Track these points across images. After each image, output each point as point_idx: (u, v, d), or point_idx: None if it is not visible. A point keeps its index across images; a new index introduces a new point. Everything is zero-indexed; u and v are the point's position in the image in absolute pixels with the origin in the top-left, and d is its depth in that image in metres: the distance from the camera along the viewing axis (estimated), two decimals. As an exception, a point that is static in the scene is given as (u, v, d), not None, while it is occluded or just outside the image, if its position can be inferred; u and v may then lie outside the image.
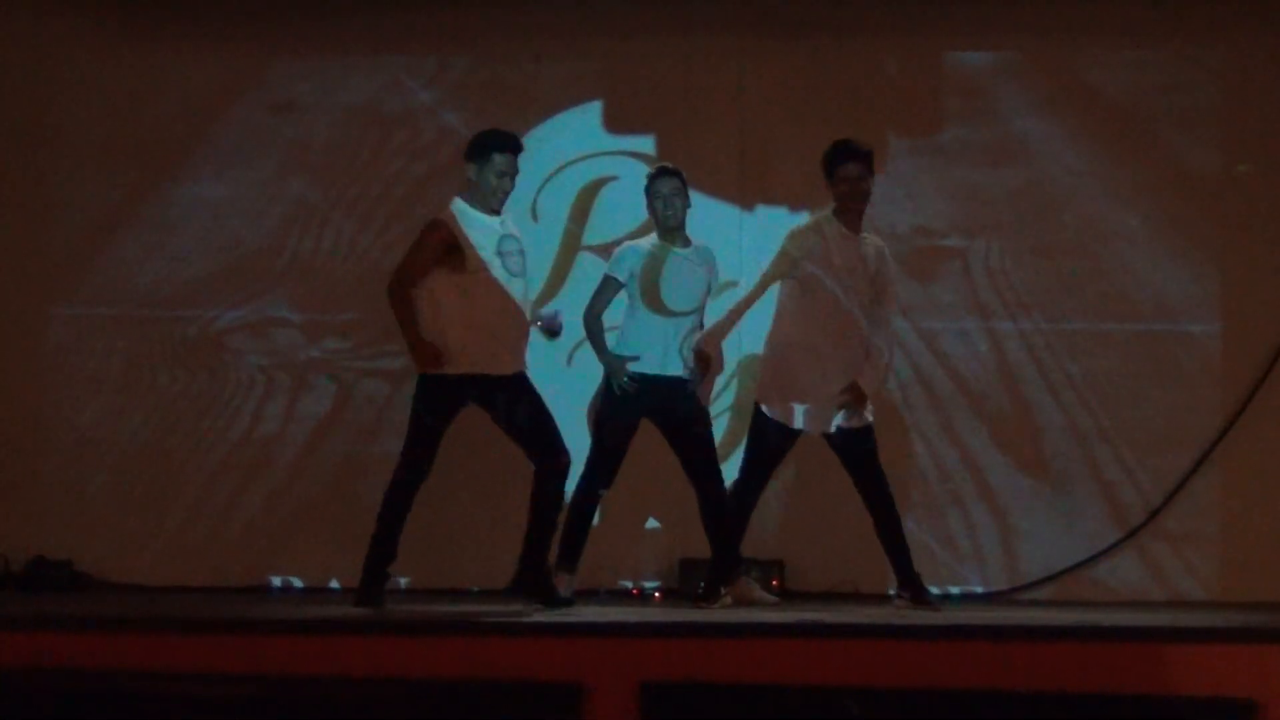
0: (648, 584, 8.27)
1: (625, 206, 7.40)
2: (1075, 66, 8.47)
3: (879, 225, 8.10)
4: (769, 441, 7.17)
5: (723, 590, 7.08)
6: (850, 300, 7.05)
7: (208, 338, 8.63)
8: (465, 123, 8.34)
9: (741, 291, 7.42)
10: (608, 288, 7.16)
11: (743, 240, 8.14)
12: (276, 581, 8.41)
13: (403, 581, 7.72)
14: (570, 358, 8.22)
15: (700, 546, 7.27)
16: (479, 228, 6.77)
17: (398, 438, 6.93)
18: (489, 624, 5.95)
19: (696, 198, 7.50)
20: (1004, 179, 8.44)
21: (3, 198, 8.63)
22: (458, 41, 8.66)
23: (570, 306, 7.47)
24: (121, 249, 8.65)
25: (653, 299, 7.09)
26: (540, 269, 8.31)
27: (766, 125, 8.40)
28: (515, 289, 6.79)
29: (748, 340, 7.85)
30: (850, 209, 7.07)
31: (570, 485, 6.99)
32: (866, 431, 7.11)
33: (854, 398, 7.03)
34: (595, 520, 7.24)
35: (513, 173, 6.80)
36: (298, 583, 8.42)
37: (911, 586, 7.08)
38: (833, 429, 7.08)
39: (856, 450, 7.10)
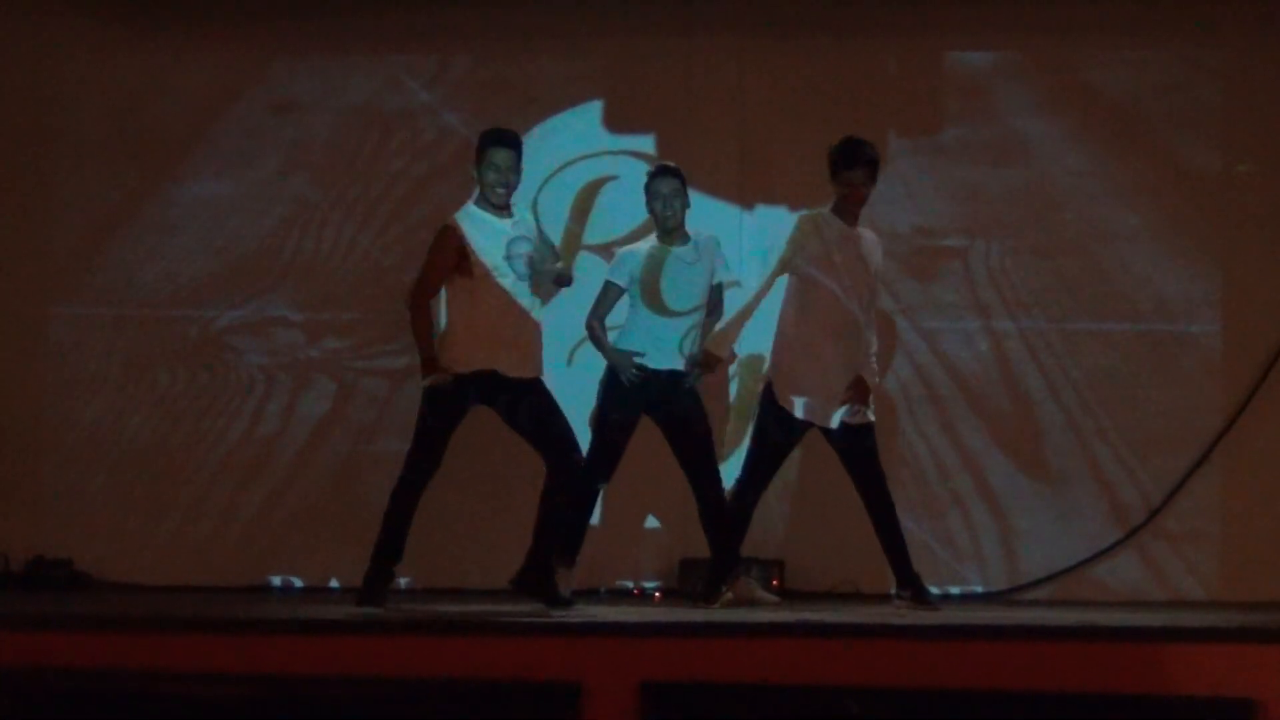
0: (648, 584, 8.27)
1: (625, 206, 7.41)
2: (1075, 66, 8.47)
3: (879, 225, 8.10)
4: (772, 440, 7.17)
5: (723, 590, 7.08)
6: (850, 299, 7.06)
7: (208, 337, 8.63)
8: (465, 122, 8.35)
9: (744, 291, 7.39)
10: (609, 293, 7.18)
11: (743, 240, 8.14)
12: (276, 581, 8.41)
13: (403, 581, 7.71)
14: (570, 358, 8.22)
15: (700, 546, 7.28)
16: (487, 231, 6.80)
17: (398, 437, 6.94)
18: (489, 624, 5.95)
19: (696, 197, 7.50)
20: (1004, 179, 8.44)
21: (3, 198, 8.63)
22: (458, 41, 8.66)
23: (570, 306, 7.49)
24: (122, 249, 8.65)
25: (653, 300, 7.11)
26: (539, 269, 8.34)
27: (766, 125, 8.40)
28: (523, 291, 6.79)
29: (746, 339, 7.83)
30: (849, 210, 7.09)
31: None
32: (868, 429, 7.11)
33: (858, 393, 7.04)
34: (596, 519, 7.25)
35: (509, 167, 6.80)
36: (298, 582, 8.42)
37: (911, 586, 7.08)
38: (836, 425, 7.08)
39: (857, 448, 7.10)
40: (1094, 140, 8.42)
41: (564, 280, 7.09)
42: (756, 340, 7.47)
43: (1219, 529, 8.25)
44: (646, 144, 8.48)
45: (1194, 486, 8.24)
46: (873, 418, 7.12)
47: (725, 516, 7.13)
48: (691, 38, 8.50)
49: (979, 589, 8.28)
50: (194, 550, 8.48)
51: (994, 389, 8.40)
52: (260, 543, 8.49)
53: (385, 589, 6.74)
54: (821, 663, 5.51)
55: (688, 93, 8.49)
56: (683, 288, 7.11)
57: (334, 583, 8.25)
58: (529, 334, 6.83)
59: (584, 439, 7.20)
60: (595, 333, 7.23)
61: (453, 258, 6.76)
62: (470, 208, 6.86)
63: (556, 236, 8.42)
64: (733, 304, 7.22)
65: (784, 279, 7.13)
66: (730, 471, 7.32)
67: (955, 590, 8.22)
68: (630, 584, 8.27)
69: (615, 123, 8.54)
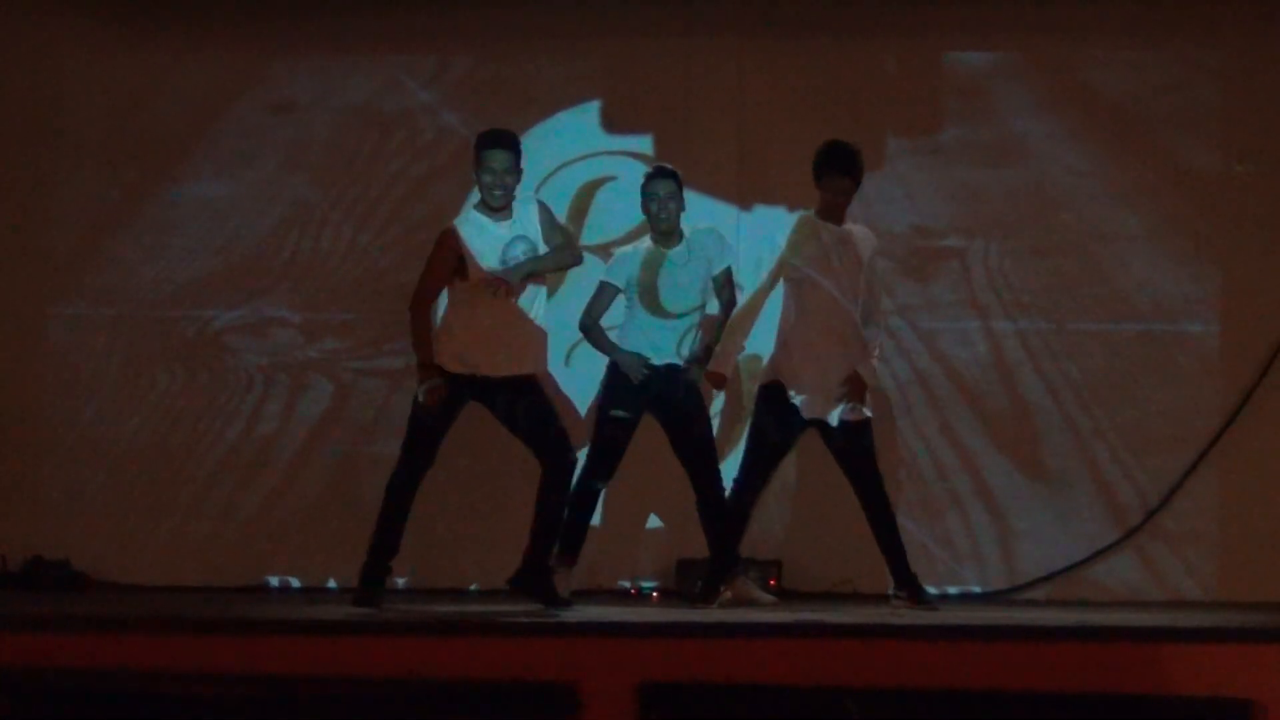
0: (645, 584, 8.27)
1: (623, 207, 7.40)
2: (1075, 66, 8.47)
3: (878, 225, 8.10)
4: (769, 440, 7.17)
5: (721, 589, 7.08)
6: (847, 299, 7.07)
7: (207, 337, 8.63)
8: (464, 123, 8.34)
9: (743, 294, 7.38)
10: (604, 294, 7.20)
11: (741, 240, 8.13)
12: (274, 581, 8.41)
13: (400, 581, 7.71)
14: (568, 358, 8.22)
15: (698, 547, 7.28)
16: (485, 235, 6.81)
17: (397, 438, 6.94)
18: (487, 624, 5.95)
19: (695, 197, 7.51)
20: (1003, 179, 8.44)
21: (2, 198, 8.64)
22: (457, 41, 8.66)
23: (569, 306, 7.50)
24: (121, 249, 8.65)
25: (651, 302, 7.12)
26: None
27: (765, 125, 8.39)
28: (522, 293, 6.79)
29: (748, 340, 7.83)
30: (836, 213, 7.09)
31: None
32: (864, 428, 7.11)
33: (854, 389, 7.04)
34: (595, 519, 7.25)
35: (505, 169, 6.79)
36: (295, 582, 8.42)
37: (909, 586, 7.08)
38: (835, 422, 7.07)
39: (854, 448, 7.10)
40: (1093, 140, 8.42)
41: (566, 263, 7.05)
42: (756, 342, 7.45)
43: (1217, 529, 8.25)
44: (645, 144, 8.48)
45: (1192, 487, 8.24)
46: (869, 413, 7.12)
47: (725, 516, 7.13)
48: (690, 38, 8.50)
49: (977, 589, 8.27)
50: (192, 550, 8.48)
51: (992, 389, 8.39)
52: (258, 543, 8.49)
53: (381, 586, 6.74)
54: (820, 663, 5.50)
55: (686, 93, 8.49)
56: (679, 290, 7.12)
57: (332, 583, 8.25)
58: (526, 335, 6.83)
59: (582, 439, 7.23)
60: (594, 333, 7.24)
61: (450, 263, 6.78)
62: (470, 211, 6.89)
63: (555, 236, 8.44)
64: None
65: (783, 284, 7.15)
66: (728, 471, 7.31)
67: (953, 590, 8.22)
68: (628, 584, 8.26)
69: (614, 123, 8.54)
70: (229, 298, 8.62)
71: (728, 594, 7.14)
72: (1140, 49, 8.45)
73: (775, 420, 7.13)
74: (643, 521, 8.36)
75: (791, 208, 7.87)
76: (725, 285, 7.25)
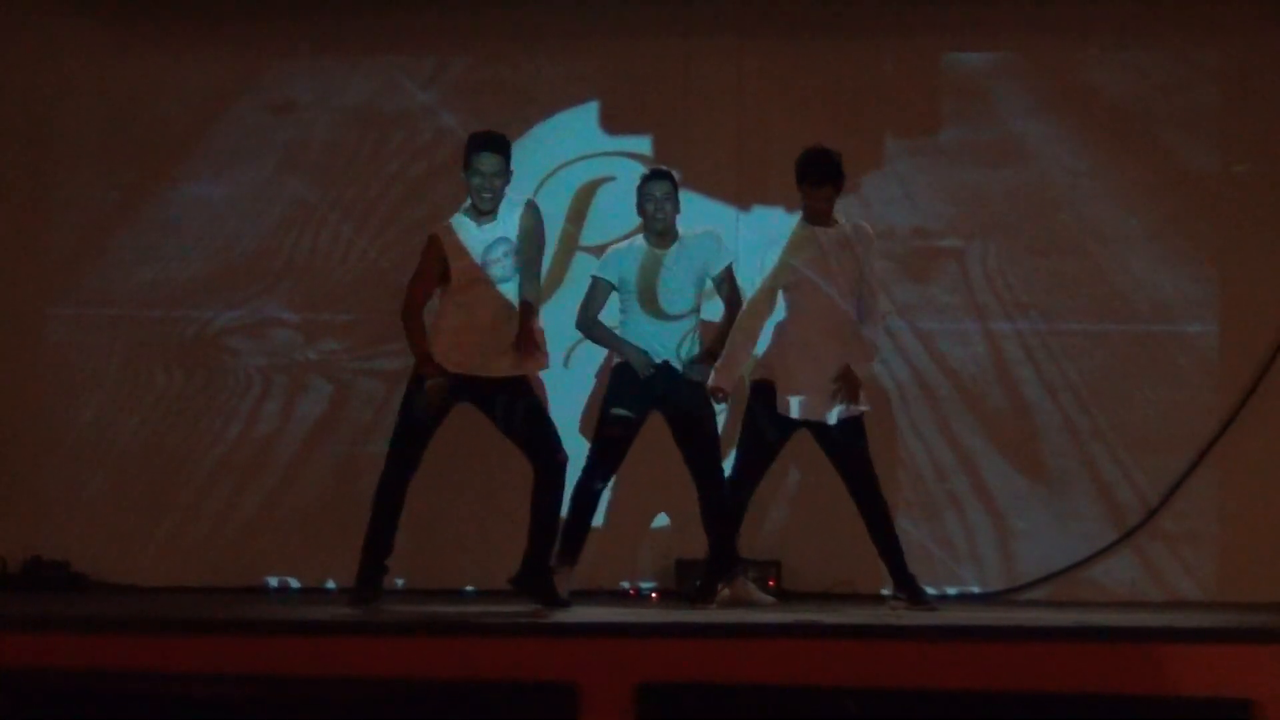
0: (644, 584, 8.26)
1: (622, 207, 7.40)
2: (1074, 67, 8.47)
3: (877, 225, 8.10)
4: (765, 438, 7.16)
5: (718, 588, 7.07)
6: (847, 301, 7.07)
7: (205, 338, 8.62)
8: (463, 123, 8.33)
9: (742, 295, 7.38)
10: (598, 290, 7.21)
11: (739, 241, 8.13)
12: (273, 582, 8.40)
13: (399, 582, 7.71)
14: (567, 358, 8.22)
15: (697, 547, 7.28)
16: (469, 238, 6.83)
17: (395, 438, 6.94)
18: (485, 624, 5.95)
19: (694, 198, 7.50)
20: (1002, 179, 8.44)
21: (2, 198, 8.63)
22: (456, 42, 8.65)
23: (567, 307, 7.49)
24: (120, 249, 8.65)
25: (650, 303, 7.12)
26: (537, 269, 8.35)
27: (765, 126, 8.39)
28: (510, 292, 6.79)
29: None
30: (821, 219, 7.09)
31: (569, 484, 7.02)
32: (858, 428, 7.09)
33: (847, 384, 7.03)
34: (595, 519, 7.25)
35: (494, 172, 6.79)
36: (294, 583, 8.41)
37: (907, 587, 7.08)
38: (833, 420, 7.07)
39: (848, 448, 7.08)
40: (1092, 141, 8.41)
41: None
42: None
43: (1216, 529, 8.25)
44: (644, 145, 8.48)
45: (1191, 487, 8.24)
46: (864, 407, 7.10)
47: (726, 516, 7.13)
48: (689, 39, 8.49)
49: (976, 590, 8.27)
50: (191, 551, 8.47)
51: (991, 390, 8.39)
52: (257, 544, 8.48)
53: (377, 587, 6.73)
54: (818, 663, 5.50)
55: (685, 94, 8.49)
56: (675, 291, 7.13)
57: (331, 584, 8.25)
58: (507, 334, 6.81)
59: (582, 439, 7.22)
60: (596, 330, 7.24)
61: (436, 267, 6.83)
62: (458, 215, 6.91)
63: (553, 237, 8.42)
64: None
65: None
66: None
67: (952, 591, 8.21)
68: (627, 584, 8.26)
69: (612, 124, 8.53)
70: (228, 298, 8.62)
71: (725, 592, 7.14)
72: (1140, 49, 8.45)
73: (767, 419, 7.13)
74: (642, 522, 8.35)
75: (790, 209, 7.84)
76: (726, 281, 7.26)
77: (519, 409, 6.79)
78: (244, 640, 5.68)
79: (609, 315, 7.33)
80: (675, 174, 7.30)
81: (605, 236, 8.23)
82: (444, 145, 8.47)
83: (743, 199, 8.39)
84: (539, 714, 5.40)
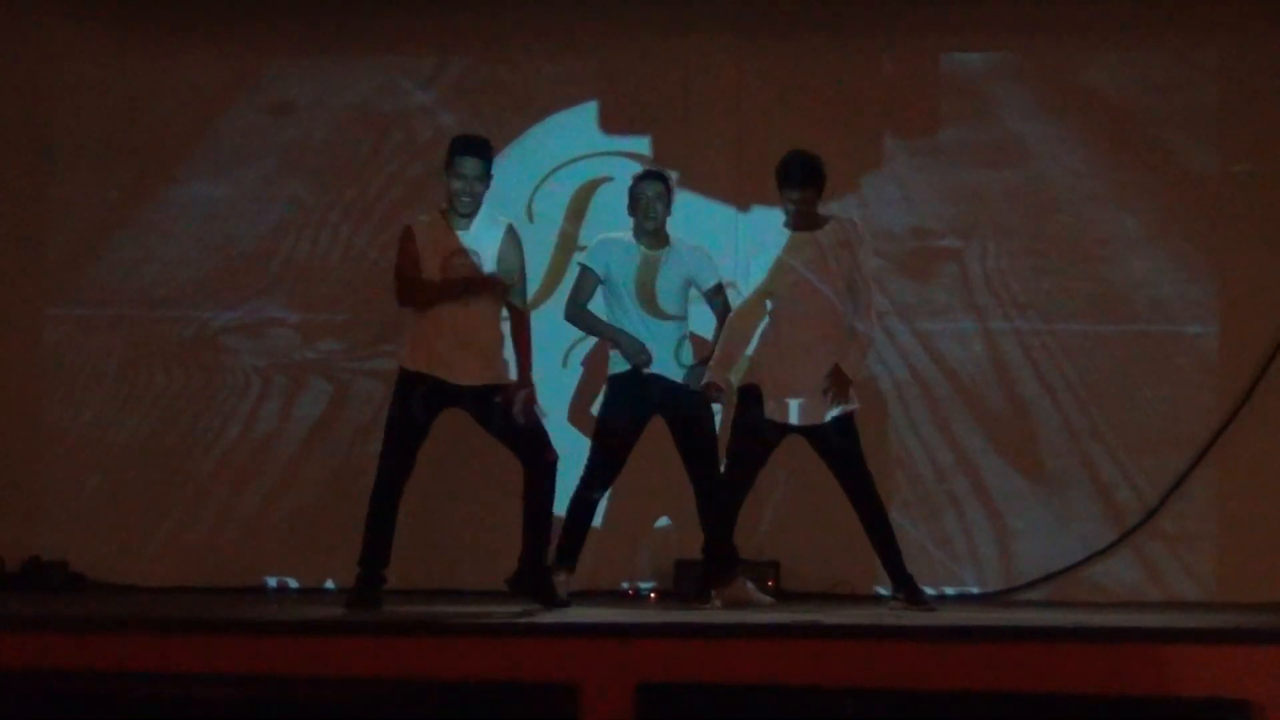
0: (643, 585, 8.26)
1: (621, 207, 7.39)
2: (1073, 67, 8.47)
3: (876, 225, 8.11)
4: (758, 440, 7.14)
5: (713, 590, 7.06)
6: (841, 297, 7.05)
7: (204, 338, 8.63)
8: (462, 124, 8.33)
9: (738, 295, 7.37)
10: (586, 280, 7.18)
11: (738, 241, 8.14)
12: (272, 582, 8.40)
13: (398, 583, 7.70)
14: (566, 358, 8.22)
15: (696, 548, 7.27)
16: (435, 240, 6.77)
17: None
18: (485, 625, 5.95)
19: (692, 199, 7.50)
20: (1001, 179, 8.44)
21: (1, 198, 8.63)
22: (455, 42, 8.66)
23: (564, 310, 7.48)
24: (118, 250, 8.65)
25: (649, 302, 7.11)
26: (535, 269, 8.32)
27: (764, 126, 8.39)
28: (471, 300, 6.74)
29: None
30: (808, 222, 7.08)
31: (567, 485, 7.01)
32: (849, 427, 7.07)
33: (837, 382, 7.01)
34: (595, 520, 7.26)
35: (476, 176, 6.73)
36: (293, 583, 8.41)
37: (905, 587, 7.06)
38: (826, 419, 7.05)
39: (841, 447, 7.06)
40: (1091, 141, 8.42)
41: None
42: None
43: (1215, 530, 8.25)
44: (643, 145, 8.48)
45: (1190, 487, 8.24)
46: (855, 405, 7.08)
47: (725, 518, 7.12)
48: (688, 38, 8.49)
49: (975, 590, 8.27)
50: (190, 551, 8.47)
51: (990, 390, 8.40)
52: (256, 544, 8.48)
53: (376, 594, 6.71)
54: (818, 664, 5.50)
55: (684, 94, 8.49)
56: (670, 293, 7.12)
57: (330, 584, 8.25)
58: (495, 341, 6.79)
59: (580, 439, 7.22)
60: (583, 319, 7.20)
61: (415, 254, 6.74)
62: (434, 215, 6.83)
63: (551, 237, 8.44)
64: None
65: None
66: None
67: (951, 591, 8.22)
68: (626, 585, 8.26)
69: (611, 124, 8.53)
70: (227, 298, 8.62)
71: (719, 596, 7.11)
72: (1139, 49, 8.45)
73: (757, 423, 7.12)
74: (641, 523, 8.35)
75: (790, 208, 7.85)
76: (719, 295, 7.25)
77: (504, 410, 6.75)
78: (243, 640, 5.67)
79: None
80: (669, 175, 7.28)
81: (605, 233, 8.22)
82: (443, 145, 8.30)
83: (742, 199, 8.39)
84: (539, 714, 5.39)
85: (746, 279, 7.25)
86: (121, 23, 8.68)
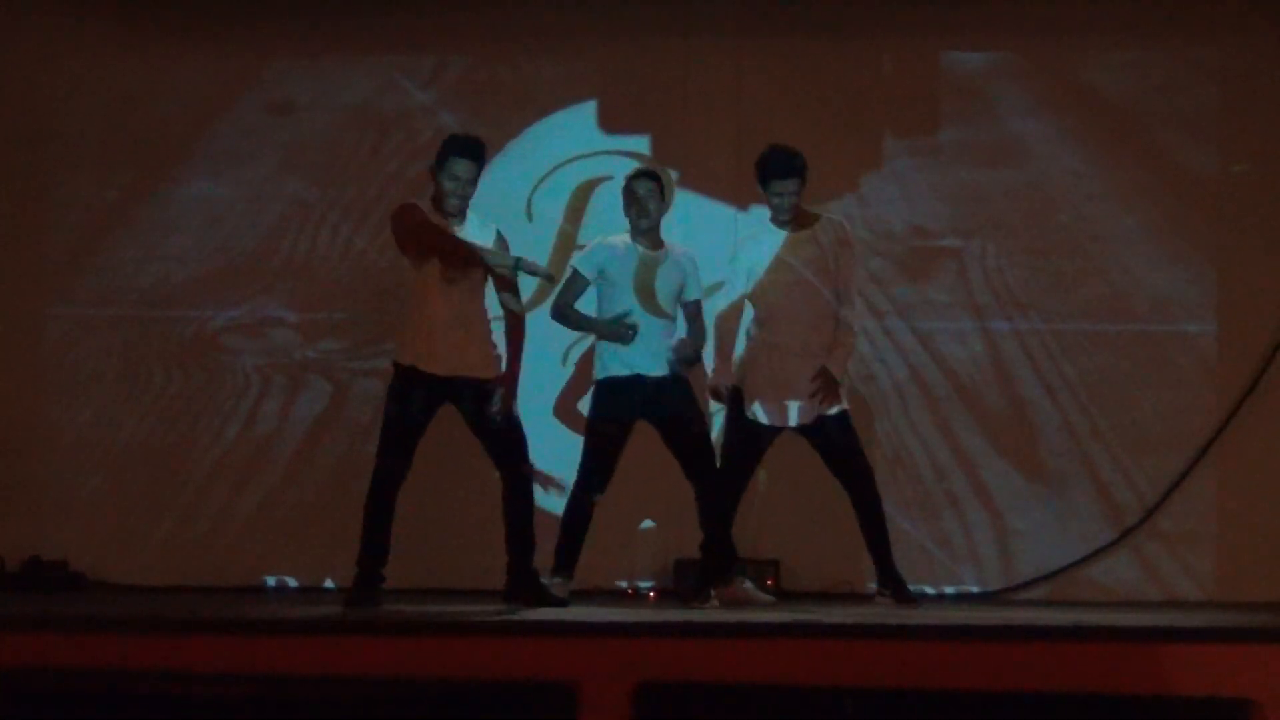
0: (643, 584, 8.27)
1: (620, 207, 7.39)
2: (1072, 67, 8.48)
3: (875, 225, 8.12)
4: (746, 442, 7.14)
5: (711, 589, 7.05)
6: (836, 297, 7.06)
7: (204, 338, 8.63)
8: (462, 123, 8.33)
9: (733, 292, 7.36)
10: (574, 282, 7.17)
11: (737, 240, 8.12)
12: (272, 581, 8.41)
13: (397, 582, 7.70)
14: (565, 358, 8.22)
15: (696, 547, 7.27)
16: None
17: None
18: (483, 624, 5.94)
19: (692, 197, 7.50)
20: (1001, 179, 8.45)
21: (1, 198, 8.63)
22: (455, 42, 8.66)
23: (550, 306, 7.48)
24: (118, 249, 8.66)
25: (649, 301, 7.10)
26: (535, 269, 8.36)
27: (763, 125, 8.37)
28: (461, 294, 6.73)
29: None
30: (791, 221, 7.07)
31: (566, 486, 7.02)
32: (845, 424, 7.07)
33: (824, 382, 7.02)
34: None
35: (469, 178, 6.74)
36: (293, 582, 8.42)
37: (892, 583, 7.07)
38: (812, 418, 7.05)
39: (837, 444, 7.07)
40: (1090, 141, 8.42)
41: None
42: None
43: (1214, 529, 8.26)
44: (642, 145, 8.49)
45: (1189, 487, 8.25)
46: (846, 404, 7.08)
47: (724, 516, 7.12)
48: (688, 38, 8.50)
49: (974, 589, 8.28)
50: (190, 550, 8.48)
51: (989, 389, 8.40)
52: (256, 543, 8.49)
53: (374, 593, 6.71)
54: (818, 663, 5.50)
55: (684, 94, 8.50)
56: (668, 293, 7.11)
57: (329, 583, 8.26)
58: (478, 332, 6.79)
59: (577, 440, 7.22)
60: (568, 315, 7.19)
61: (425, 218, 6.70)
62: (428, 205, 6.82)
63: (550, 237, 8.45)
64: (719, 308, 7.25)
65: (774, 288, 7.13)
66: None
67: (951, 590, 8.22)
68: (625, 584, 8.26)
69: (611, 123, 8.54)
70: (227, 298, 8.63)
71: (719, 593, 7.11)
72: (1139, 49, 8.46)
73: (749, 424, 7.12)
74: (637, 522, 8.35)
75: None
76: (697, 317, 7.23)
77: (489, 413, 6.74)
78: (243, 640, 5.66)
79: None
80: (663, 173, 7.26)
81: (604, 236, 8.22)
82: (443, 145, 8.47)
83: (742, 199, 8.38)
84: (539, 714, 5.39)
85: (737, 270, 7.22)
86: (121, 23, 8.69)
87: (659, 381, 7.06)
